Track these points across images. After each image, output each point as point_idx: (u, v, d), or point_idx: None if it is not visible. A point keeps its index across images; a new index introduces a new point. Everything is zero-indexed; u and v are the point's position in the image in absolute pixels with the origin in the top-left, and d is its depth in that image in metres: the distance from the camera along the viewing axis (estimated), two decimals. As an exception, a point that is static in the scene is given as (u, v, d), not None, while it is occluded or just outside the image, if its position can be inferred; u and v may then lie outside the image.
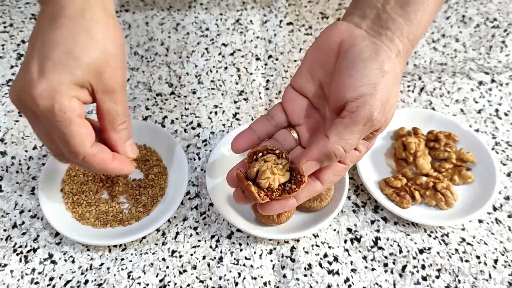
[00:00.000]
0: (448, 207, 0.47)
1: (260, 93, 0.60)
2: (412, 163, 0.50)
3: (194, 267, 0.44)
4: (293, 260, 0.44)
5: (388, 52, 0.36)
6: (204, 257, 0.44)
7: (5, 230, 0.46)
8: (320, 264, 0.44)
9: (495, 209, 0.49)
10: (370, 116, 0.34)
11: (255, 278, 0.43)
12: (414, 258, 0.45)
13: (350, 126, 0.34)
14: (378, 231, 0.47)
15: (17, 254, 0.44)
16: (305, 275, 0.43)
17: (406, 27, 0.37)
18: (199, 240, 0.46)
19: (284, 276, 0.43)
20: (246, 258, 0.44)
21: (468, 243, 0.46)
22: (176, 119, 0.56)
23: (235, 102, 0.58)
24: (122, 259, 0.44)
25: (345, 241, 0.46)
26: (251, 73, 0.62)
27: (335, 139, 0.34)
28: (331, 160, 0.36)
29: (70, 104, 0.33)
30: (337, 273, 0.43)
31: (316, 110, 0.40)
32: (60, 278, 0.43)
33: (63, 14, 0.34)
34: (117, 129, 0.38)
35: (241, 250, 0.45)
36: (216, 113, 0.57)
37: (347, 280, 0.43)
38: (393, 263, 0.44)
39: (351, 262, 0.44)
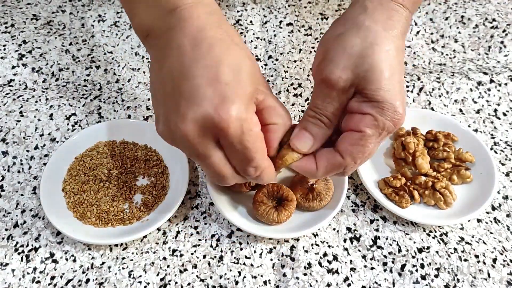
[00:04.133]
0: (447, 207, 0.47)
1: (260, 93, 0.60)
2: (411, 163, 0.50)
3: (195, 266, 0.44)
4: (293, 259, 0.44)
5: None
6: (204, 256, 0.45)
7: (6, 230, 0.46)
8: (319, 263, 0.44)
9: (493, 208, 0.49)
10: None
11: (255, 277, 0.43)
12: (413, 257, 0.45)
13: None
14: (377, 230, 0.47)
15: (19, 253, 0.44)
16: (305, 274, 0.43)
17: None
18: (199, 239, 0.46)
19: (284, 275, 0.43)
20: (246, 257, 0.45)
21: (467, 243, 0.46)
22: (177, 119, 0.56)
23: (235, 102, 0.59)
24: (123, 258, 0.44)
25: (345, 240, 0.46)
26: (251, 74, 0.62)
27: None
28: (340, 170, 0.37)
29: (253, 120, 0.34)
30: (337, 272, 0.44)
31: None
32: (61, 277, 0.43)
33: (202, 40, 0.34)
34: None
35: (241, 249, 0.45)
36: (216, 113, 0.57)
37: (346, 279, 0.43)
38: (392, 262, 0.45)
39: (351, 261, 0.45)
